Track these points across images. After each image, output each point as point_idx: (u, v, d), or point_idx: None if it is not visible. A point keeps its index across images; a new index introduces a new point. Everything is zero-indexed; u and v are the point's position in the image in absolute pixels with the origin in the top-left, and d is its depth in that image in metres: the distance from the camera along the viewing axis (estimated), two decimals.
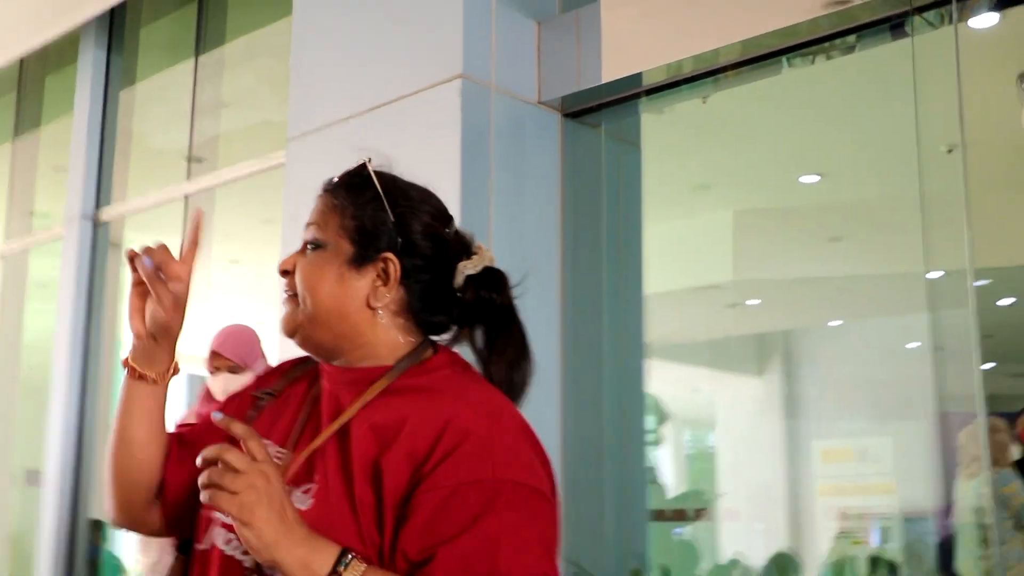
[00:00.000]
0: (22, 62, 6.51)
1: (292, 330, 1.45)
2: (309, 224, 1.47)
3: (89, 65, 5.87)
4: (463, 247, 1.48)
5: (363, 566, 1.23)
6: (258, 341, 3.64)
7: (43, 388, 5.77)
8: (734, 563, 3.49)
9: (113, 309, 5.76)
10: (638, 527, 3.58)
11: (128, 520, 1.59)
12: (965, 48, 2.87)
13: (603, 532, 3.53)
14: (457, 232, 1.49)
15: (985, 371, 2.70)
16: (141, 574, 3.89)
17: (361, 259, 1.42)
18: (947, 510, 3.86)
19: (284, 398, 1.54)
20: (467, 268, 1.45)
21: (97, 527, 5.58)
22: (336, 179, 1.49)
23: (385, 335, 1.43)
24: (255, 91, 5.52)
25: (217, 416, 1.29)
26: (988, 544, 3.47)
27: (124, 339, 5.86)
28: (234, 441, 1.32)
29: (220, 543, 1.41)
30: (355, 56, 3.94)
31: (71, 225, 5.75)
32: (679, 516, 3.70)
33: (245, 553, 1.35)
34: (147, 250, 1.46)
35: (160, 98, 5.92)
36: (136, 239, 5.93)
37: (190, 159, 5.47)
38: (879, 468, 4.29)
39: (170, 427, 1.59)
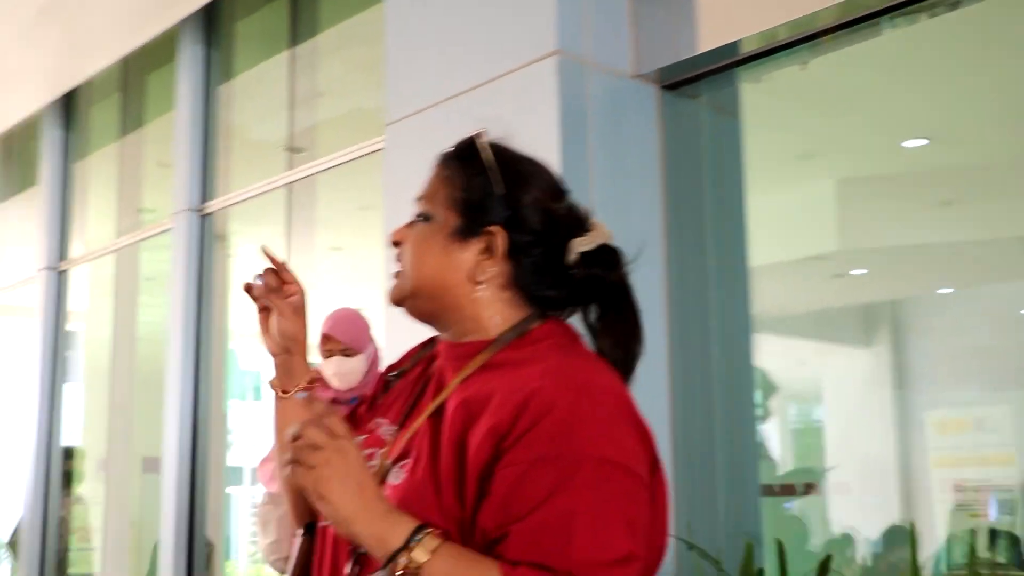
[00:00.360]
0: (124, 62, 6.58)
1: (399, 300, 1.46)
2: (421, 195, 1.47)
3: (188, 62, 5.94)
4: (577, 223, 1.44)
5: (437, 542, 1.22)
6: (367, 325, 3.66)
7: (158, 379, 5.87)
8: (847, 537, 3.46)
9: (222, 299, 5.86)
10: (750, 502, 3.54)
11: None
12: None
13: (715, 508, 3.48)
14: (571, 207, 1.46)
15: None
16: (262, 553, 4.02)
17: (466, 232, 1.41)
18: None
19: (408, 378, 1.55)
20: (580, 245, 1.41)
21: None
22: (448, 150, 1.48)
23: (489, 309, 1.41)
24: (350, 79, 5.53)
25: (301, 396, 1.34)
26: None
27: (232, 328, 6.03)
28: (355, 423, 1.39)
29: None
30: (449, 38, 3.92)
31: (178, 219, 5.83)
32: (788, 491, 3.66)
33: None
34: (257, 276, 1.58)
35: (258, 90, 5.98)
36: (241, 230, 6.06)
37: (290, 149, 5.56)
38: (997, 438, 4.17)
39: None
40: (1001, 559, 3.62)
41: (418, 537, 1.21)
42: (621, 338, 1.42)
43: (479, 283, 1.40)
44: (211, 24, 5.99)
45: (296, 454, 1.24)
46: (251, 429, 6.80)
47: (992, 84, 3.77)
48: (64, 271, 7.21)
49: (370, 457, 1.42)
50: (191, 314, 5.72)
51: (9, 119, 7.44)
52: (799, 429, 3.86)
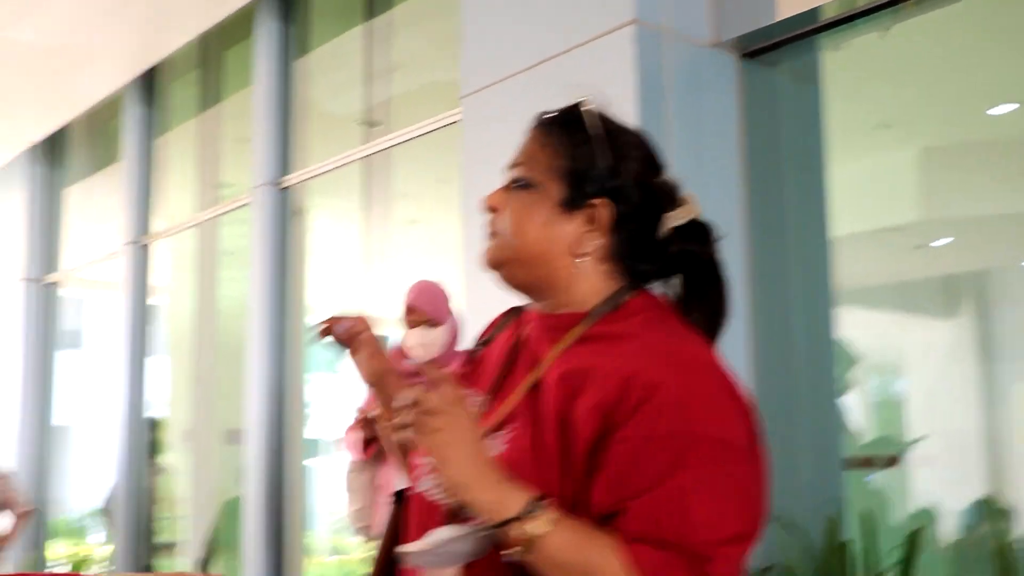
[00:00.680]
0: (203, 39, 6.67)
1: (495, 264, 1.43)
2: (518, 161, 1.43)
3: (265, 37, 6.00)
4: (671, 196, 1.42)
5: (555, 514, 1.21)
6: (448, 297, 3.67)
7: (239, 352, 5.97)
8: (931, 511, 3.43)
9: (300, 272, 5.93)
10: (833, 475, 3.51)
11: None
12: None
13: (798, 481, 3.45)
14: (667, 181, 1.43)
15: None
16: (349, 519, 4.10)
17: (571, 203, 1.38)
18: None
19: (493, 347, 1.54)
20: (673, 219, 1.40)
21: None
22: (549, 115, 1.44)
23: (586, 281, 1.39)
24: (426, 51, 5.54)
25: (411, 362, 1.38)
26: None
27: (310, 301, 6.13)
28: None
29: (425, 488, 1.42)
30: (524, 9, 3.89)
31: (257, 193, 5.91)
32: (869, 464, 3.64)
33: (444, 496, 1.36)
34: (332, 320, 1.65)
35: (334, 64, 6.01)
36: (318, 204, 6.15)
37: (366, 123, 5.59)
38: None
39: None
40: None
41: (535, 509, 1.21)
42: (710, 311, 1.41)
43: (580, 255, 1.38)
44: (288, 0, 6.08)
45: (414, 419, 1.25)
46: (328, 401, 6.93)
47: None
48: (147, 245, 7.34)
49: None
50: (270, 287, 5.80)
51: (93, 97, 7.56)
52: (880, 402, 3.82)
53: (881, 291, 3.84)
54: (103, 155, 8.29)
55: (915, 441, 3.63)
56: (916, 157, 3.82)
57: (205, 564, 6.70)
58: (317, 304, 6.06)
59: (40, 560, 7.91)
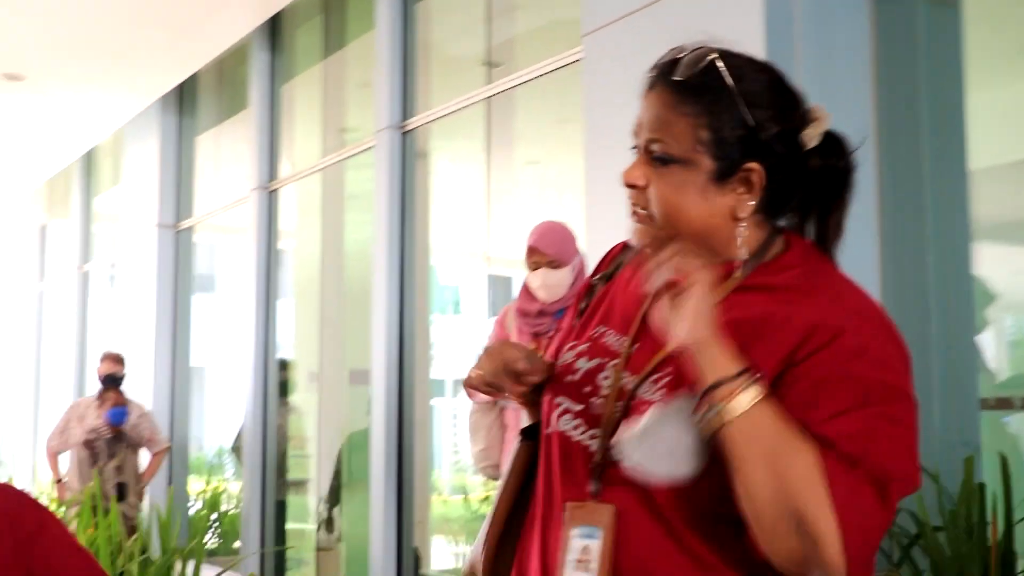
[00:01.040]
0: None
1: (654, 247, 1.38)
2: (653, 132, 1.37)
3: None
4: (805, 119, 1.38)
5: (766, 389, 1.23)
6: (574, 238, 3.66)
7: (364, 294, 6.05)
8: None
9: (424, 215, 5.98)
10: (969, 416, 3.43)
11: None
12: None
13: (932, 422, 3.35)
14: (798, 110, 1.39)
15: None
16: (472, 460, 4.18)
17: (724, 174, 1.35)
18: None
19: (620, 284, 1.51)
20: (811, 140, 1.37)
21: None
22: (677, 76, 1.36)
23: (744, 241, 1.38)
24: None
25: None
26: None
27: (434, 244, 6.22)
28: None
29: (567, 428, 1.42)
30: None
31: (380, 137, 5.94)
32: (1007, 404, 3.56)
33: (592, 438, 1.37)
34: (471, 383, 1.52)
35: (455, 6, 6.02)
36: (441, 146, 6.21)
37: (488, 64, 5.62)
38: None
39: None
40: None
41: (749, 375, 1.22)
42: (836, 229, 1.41)
43: (740, 220, 1.37)
44: None
45: (672, 257, 1.27)
46: (452, 342, 7.06)
47: None
48: (274, 191, 7.44)
49: (600, 368, 1.42)
50: (394, 231, 5.84)
51: (221, 45, 7.66)
52: (1018, 340, 3.72)
53: (1022, 226, 3.71)
54: (231, 103, 8.45)
55: None
56: None
57: (330, 501, 6.93)
58: (440, 246, 6.14)
59: (181, 495, 8.25)
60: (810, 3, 3.47)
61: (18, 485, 2.41)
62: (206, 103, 8.90)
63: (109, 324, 10.21)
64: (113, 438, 6.65)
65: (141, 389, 8.38)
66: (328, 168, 7.02)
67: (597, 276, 1.57)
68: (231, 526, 7.64)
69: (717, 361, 1.23)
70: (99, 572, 2.31)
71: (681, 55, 1.37)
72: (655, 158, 1.37)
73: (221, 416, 6.47)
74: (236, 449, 7.74)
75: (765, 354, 1.27)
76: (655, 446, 1.27)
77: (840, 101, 3.51)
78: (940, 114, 3.59)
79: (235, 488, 8.45)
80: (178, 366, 8.75)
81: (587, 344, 1.46)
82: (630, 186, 1.39)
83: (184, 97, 8.97)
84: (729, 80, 1.34)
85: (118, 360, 7.44)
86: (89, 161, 11.11)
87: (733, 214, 1.36)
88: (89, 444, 6.67)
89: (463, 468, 7.78)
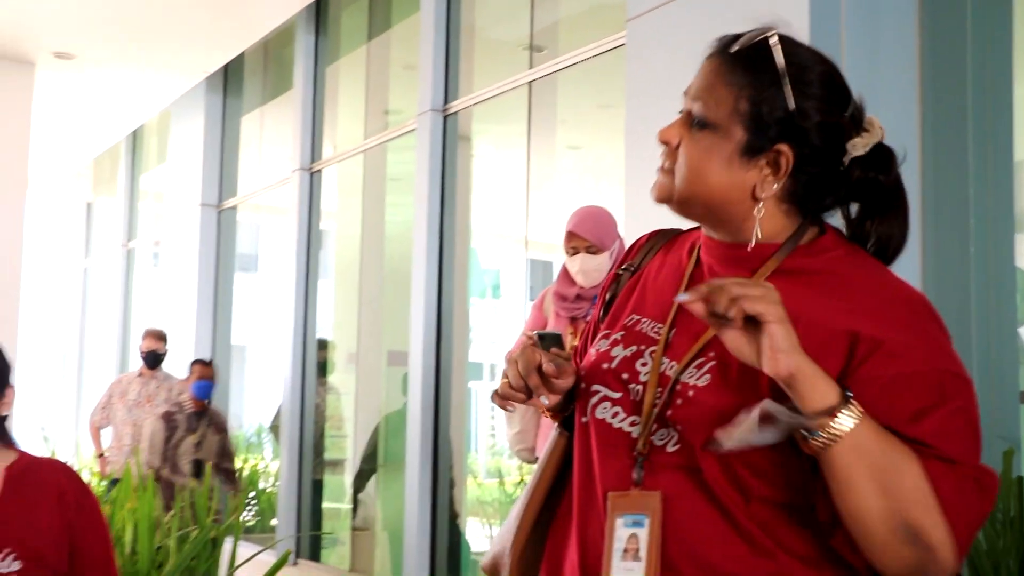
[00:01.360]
0: None
1: (665, 199, 1.41)
2: (697, 96, 1.39)
3: None
4: (856, 124, 1.38)
5: (862, 410, 1.20)
6: (614, 223, 3.65)
7: (404, 276, 6.07)
8: None
9: (464, 198, 5.99)
10: (1009, 408, 3.41)
11: None
12: None
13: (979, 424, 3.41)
14: (851, 114, 1.38)
15: None
16: (508, 443, 4.19)
17: (753, 149, 1.35)
18: None
19: (651, 272, 1.52)
20: (857, 147, 1.36)
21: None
22: (734, 47, 1.39)
23: (767, 219, 1.37)
24: None
25: (682, 297, 1.25)
26: None
27: (474, 227, 6.24)
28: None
29: (605, 416, 1.41)
30: None
31: (422, 119, 5.94)
32: None
33: (632, 425, 1.37)
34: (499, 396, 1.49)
35: None
36: (483, 130, 6.22)
37: (530, 48, 5.60)
38: None
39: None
40: None
41: (848, 401, 1.20)
42: (888, 237, 1.39)
43: (759, 199, 1.36)
44: None
45: (737, 291, 1.20)
46: (491, 326, 7.08)
47: None
48: (317, 172, 7.46)
49: (638, 355, 1.42)
50: (435, 213, 5.85)
51: (266, 26, 7.70)
52: None
53: None
54: (276, 84, 8.51)
55: None
56: None
57: (356, 486, 6.97)
58: (480, 230, 6.16)
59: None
60: None
61: (61, 459, 2.47)
62: (251, 83, 8.95)
63: (152, 301, 10.32)
64: (195, 413, 6.40)
65: (182, 367, 8.50)
66: (370, 150, 7.04)
67: (623, 267, 1.57)
68: (268, 504, 7.72)
69: (817, 389, 1.20)
70: (113, 558, 2.39)
71: (746, 32, 1.39)
72: (694, 121, 1.38)
73: (261, 395, 6.50)
74: (275, 428, 7.78)
75: (820, 344, 1.26)
76: (751, 440, 1.25)
77: (884, 92, 3.49)
78: (987, 105, 3.56)
79: (273, 467, 8.53)
80: (219, 344, 8.81)
81: (622, 332, 1.46)
82: (663, 142, 1.41)
83: (229, 77, 9.03)
84: (780, 61, 1.35)
85: (160, 337, 7.49)
86: (135, 140, 11.19)
87: (754, 192, 1.36)
88: (168, 416, 6.39)
89: (499, 451, 7.83)
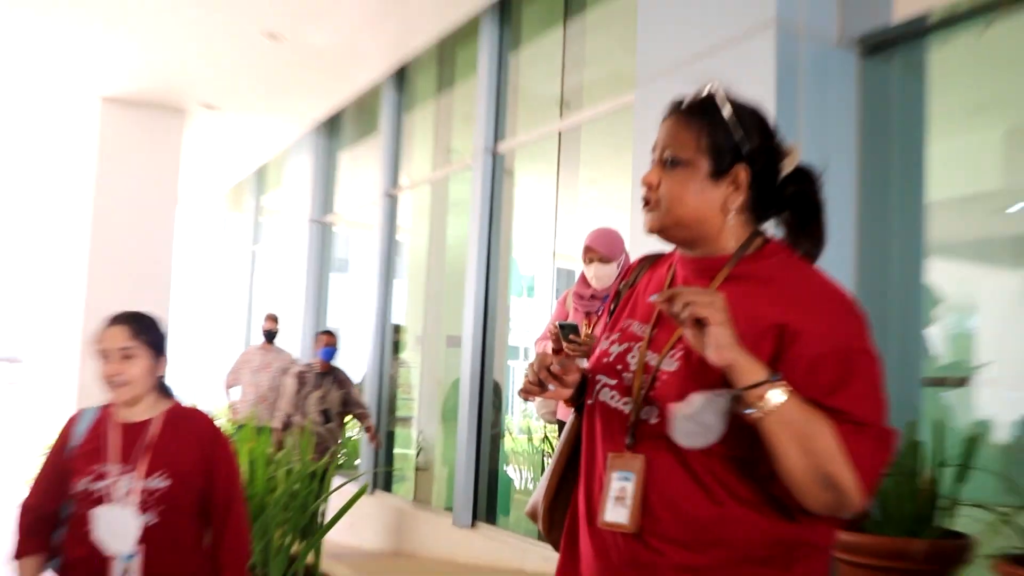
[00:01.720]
0: (440, 42, 6.77)
1: (657, 230, 1.40)
2: (666, 144, 1.38)
3: (487, 39, 6.04)
4: (783, 151, 1.39)
5: (789, 387, 1.20)
6: (622, 240, 3.63)
7: (460, 278, 6.09)
8: (992, 421, 3.32)
9: (508, 220, 5.98)
10: (914, 389, 3.44)
11: None
12: None
13: (886, 392, 3.43)
14: (779, 140, 1.40)
15: None
16: (535, 407, 4.17)
17: (718, 173, 1.35)
18: None
19: (641, 286, 1.51)
20: (787, 167, 1.38)
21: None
22: (687, 104, 1.39)
23: (732, 230, 1.37)
24: (609, 49, 5.46)
25: (654, 298, 1.28)
26: None
27: (515, 242, 6.27)
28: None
29: (606, 399, 1.40)
30: (688, 10, 3.83)
31: (477, 157, 5.97)
32: (943, 382, 3.53)
33: (625, 404, 1.37)
34: (526, 392, 1.46)
35: (538, 58, 5.99)
36: (524, 167, 6.23)
37: (561, 103, 5.57)
38: None
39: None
40: None
41: (777, 378, 1.21)
42: (814, 238, 1.40)
43: (728, 212, 1.36)
44: (504, 8, 6.06)
45: (688, 298, 1.22)
46: (526, 318, 7.11)
47: None
48: (395, 196, 7.51)
49: (629, 350, 1.41)
50: (484, 231, 5.87)
51: (361, 86, 7.78)
52: (955, 334, 3.68)
53: (964, 246, 3.67)
54: (366, 129, 8.49)
55: (980, 367, 3.50)
56: (1000, 137, 3.61)
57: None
58: (520, 244, 6.17)
59: None
60: (811, 65, 3.46)
61: (203, 408, 2.49)
62: (347, 129, 8.94)
63: (269, 292, 10.35)
64: (321, 372, 6.22)
65: (290, 344, 8.55)
66: (436, 180, 7.05)
67: (622, 284, 1.56)
68: (354, 449, 7.78)
69: (748, 371, 1.21)
70: (239, 483, 2.41)
71: (688, 95, 1.41)
72: (666, 162, 1.38)
73: (351, 367, 6.55)
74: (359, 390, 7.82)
75: (758, 333, 1.26)
76: (695, 426, 1.27)
77: (832, 144, 3.49)
78: (907, 157, 3.57)
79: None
80: (318, 327, 8.80)
81: (618, 334, 1.46)
82: (646, 185, 1.40)
83: (331, 124, 9.05)
84: (723, 104, 1.36)
85: (275, 319, 7.48)
86: (261, 171, 11.24)
87: (724, 207, 1.36)
88: (300, 375, 6.19)
89: (528, 414, 7.85)
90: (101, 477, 2.26)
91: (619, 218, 4.32)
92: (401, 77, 7.59)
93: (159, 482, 2.25)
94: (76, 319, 8.42)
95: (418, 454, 6.96)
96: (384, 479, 7.22)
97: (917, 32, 3.44)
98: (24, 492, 2.40)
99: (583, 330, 3.37)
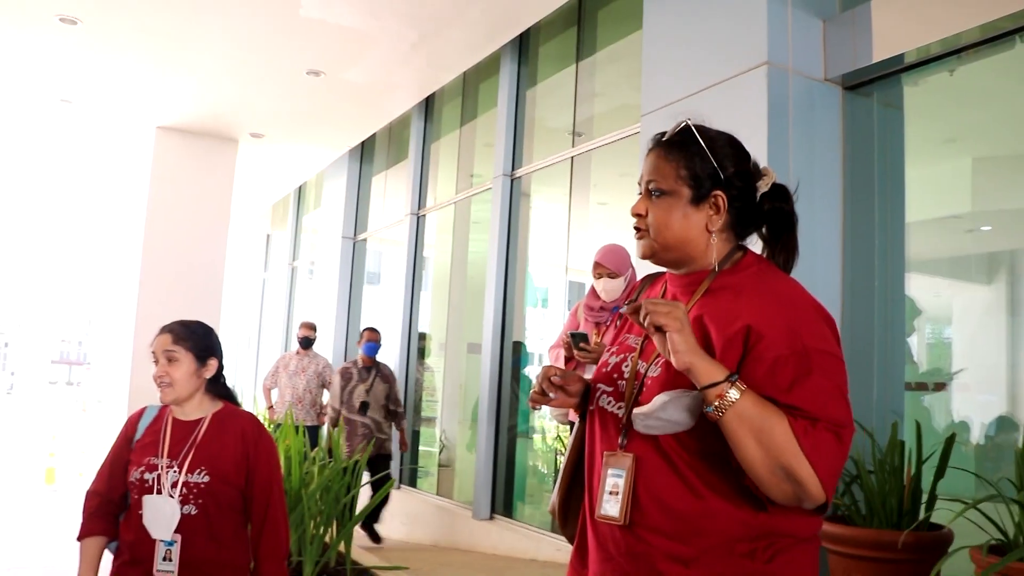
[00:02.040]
0: (464, 76, 6.82)
1: (648, 256, 1.40)
2: (651, 176, 1.38)
3: (506, 74, 6.10)
4: (757, 173, 1.39)
5: (744, 385, 1.21)
6: (628, 256, 3.61)
7: (480, 290, 6.10)
8: (967, 422, 3.32)
9: (524, 238, 5.98)
10: (897, 393, 3.44)
11: None
12: None
13: (871, 396, 3.38)
14: (753, 163, 1.41)
15: None
16: (548, 410, 4.18)
17: (699, 199, 1.35)
18: None
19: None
20: (762, 187, 1.38)
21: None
22: (665, 139, 1.39)
23: (715, 248, 1.37)
24: (616, 83, 5.47)
25: (622, 309, 1.29)
26: None
27: (531, 257, 6.29)
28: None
29: (604, 404, 1.41)
30: (688, 50, 3.86)
31: (496, 181, 6.00)
32: (923, 387, 3.54)
33: (619, 408, 1.37)
34: (536, 401, 1.46)
35: (552, 92, 6.01)
36: (538, 190, 6.24)
37: (573, 133, 5.59)
38: None
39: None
40: None
41: (733, 378, 1.21)
42: (788, 250, 1.39)
43: (711, 233, 1.36)
44: (522, 47, 6.11)
45: (651, 308, 1.24)
46: (540, 328, 7.07)
47: None
48: (422, 216, 7.53)
49: (624, 360, 1.41)
50: (503, 247, 5.89)
51: (391, 116, 7.78)
52: (933, 343, 3.69)
53: (940, 263, 3.68)
54: (395, 155, 8.50)
55: (957, 373, 3.50)
56: (971, 164, 3.64)
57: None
58: (535, 260, 6.19)
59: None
60: (799, 100, 3.49)
61: (248, 410, 2.49)
62: (379, 155, 8.94)
63: (307, 302, 10.33)
64: (365, 367, 6.11)
65: (326, 350, 8.56)
66: (459, 202, 7.05)
67: (628, 301, 1.50)
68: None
69: (707, 373, 1.22)
70: (279, 481, 2.37)
71: (668, 130, 1.42)
72: (652, 193, 1.38)
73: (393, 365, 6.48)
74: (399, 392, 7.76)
75: (727, 338, 1.26)
76: (655, 421, 1.28)
77: (819, 169, 3.51)
78: (887, 182, 3.60)
79: None
80: (351, 334, 8.82)
81: (617, 346, 1.47)
82: (636, 215, 1.40)
83: (364, 150, 9.06)
84: (698, 137, 1.37)
85: (312, 327, 7.42)
86: (300, 191, 11.22)
87: (707, 228, 1.36)
88: (345, 371, 6.07)
89: (542, 415, 7.84)
90: (152, 468, 2.27)
91: (626, 236, 4.31)
92: (428, 108, 7.62)
93: (200, 477, 2.25)
94: (129, 328, 8.49)
95: (441, 451, 6.93)
96: (410, 475, 7.19)
97: (895, 70, 3.47)
98: (88, 480, 2.41)
99: (593, 339, 3.37)
